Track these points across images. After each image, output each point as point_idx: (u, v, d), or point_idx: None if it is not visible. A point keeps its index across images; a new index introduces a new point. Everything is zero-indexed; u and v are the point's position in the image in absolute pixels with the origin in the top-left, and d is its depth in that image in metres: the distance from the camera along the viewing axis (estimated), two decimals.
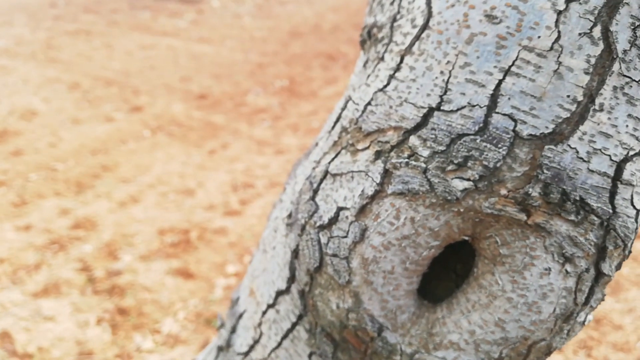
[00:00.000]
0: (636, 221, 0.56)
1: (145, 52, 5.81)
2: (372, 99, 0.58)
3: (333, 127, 0.65)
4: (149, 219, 3.00)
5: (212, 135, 3.99)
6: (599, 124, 0.50)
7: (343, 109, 0.65)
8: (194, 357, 1.03)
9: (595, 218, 0.52)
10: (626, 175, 0.52)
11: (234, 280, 2.57)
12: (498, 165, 0.50)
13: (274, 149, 3.83)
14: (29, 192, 3.18)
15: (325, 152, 0.64)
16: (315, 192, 0.61)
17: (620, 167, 0.52)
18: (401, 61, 0.56)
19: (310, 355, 0.64)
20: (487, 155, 0.50)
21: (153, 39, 6.24)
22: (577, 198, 0.51)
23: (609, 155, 0.51)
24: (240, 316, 0.74)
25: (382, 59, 0.59)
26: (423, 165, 0.53)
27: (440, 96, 0.52)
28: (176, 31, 6.59)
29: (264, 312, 0.69)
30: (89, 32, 6.48)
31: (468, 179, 0.51)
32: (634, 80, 0.49)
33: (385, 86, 0.57)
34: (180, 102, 4.58)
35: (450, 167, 0.51)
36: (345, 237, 0.57)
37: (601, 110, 0.50)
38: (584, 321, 0.60)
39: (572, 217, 0.51)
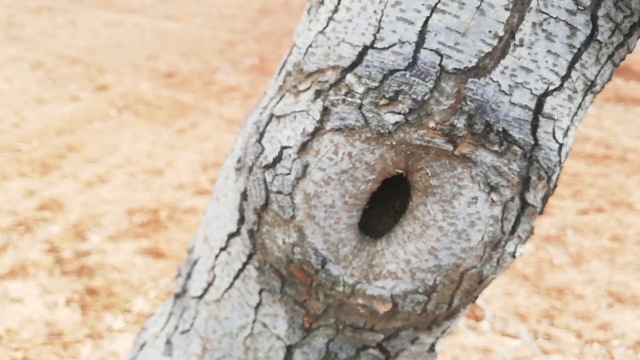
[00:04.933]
0: (559, 154, 0.60)
1: (110, 29, 5.66)
2: (313, 42, 0.61)
3: (279, 74, 0.67)
4: (117, 199, 2.96)
5: (181, 114, 3.95)
6: (519, 59, 0.54)
7: (289, 55, 0.67)
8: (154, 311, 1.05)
9: (518, 149, 0.55)
10: (547, 108, 0.56)
11: None
12: (426, 98, 0.53)
13: None
14: None
15: (272, 97, 0.66)
16: (262, 135, 0.63)
17: (541, 100, 0.55)
18: (339, 3, 0.58)
19: (260, 292, 0.67)
20: (415, 89, 0.54)
21: (118, 16, 6.08)
22: (500, 129, 0.54)
23: (530, 89, 0.54)
24: (195, 263, 0.76)
25: (322, 2, 0.61)
26: (358, 101, 0.55)
27: (374, 34, 0.55)
28: (142, 8, 6.42)
29: (217, 256, 0.71)
30: (52, 9, 6.27)
31: (399, 113, 0.54)
32: (552, 17, 0.53)
33: (324, 28, 0.59)
34: (148, 80, 4.50)
35: (382, 102, 0.54)
36: (289, 174, 0.59)
37: (521, 45, 0.53)
38: (514, 252, 0.64)
39: (496, 148, 0.55)
